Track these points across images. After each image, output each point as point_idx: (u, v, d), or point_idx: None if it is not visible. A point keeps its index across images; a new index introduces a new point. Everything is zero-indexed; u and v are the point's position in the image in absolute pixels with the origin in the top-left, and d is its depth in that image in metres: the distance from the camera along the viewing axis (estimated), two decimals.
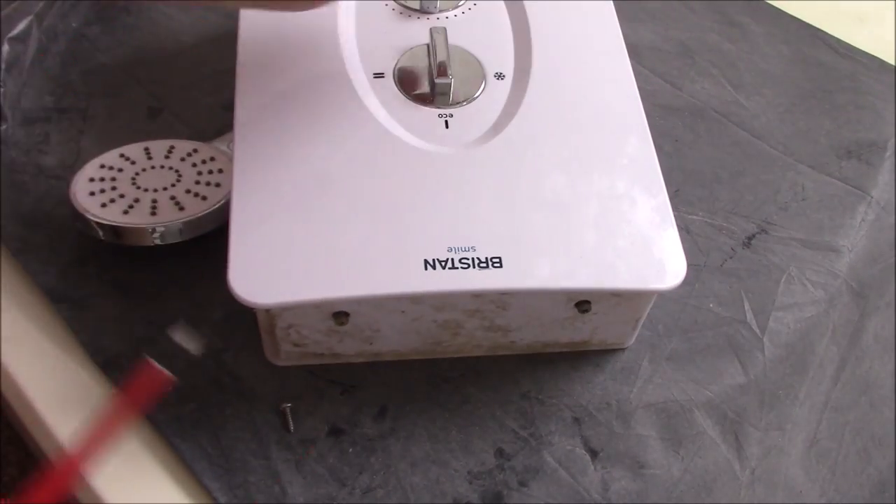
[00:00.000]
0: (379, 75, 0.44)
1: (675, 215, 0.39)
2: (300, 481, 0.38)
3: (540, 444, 0.40)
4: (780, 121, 0.57)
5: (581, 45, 0.46)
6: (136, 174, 0.45)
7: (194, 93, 0.54)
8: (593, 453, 0.40)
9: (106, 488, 0.37)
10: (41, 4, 0.53)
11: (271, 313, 0.38)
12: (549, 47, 0.45)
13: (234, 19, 0.45)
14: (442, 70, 0.43)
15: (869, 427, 0.44)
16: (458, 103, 0.43)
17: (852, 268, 0.49)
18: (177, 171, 0.45)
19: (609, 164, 0.41)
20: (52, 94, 0.53)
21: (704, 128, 0.56)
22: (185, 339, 0.39)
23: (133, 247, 0.43)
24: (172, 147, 0.46)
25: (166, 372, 0.36)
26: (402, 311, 0.38)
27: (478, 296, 0.38)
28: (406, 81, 0.43)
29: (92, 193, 0.43)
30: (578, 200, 0.39)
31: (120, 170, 0.45)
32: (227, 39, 0.46)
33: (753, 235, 0.50)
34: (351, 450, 0.39)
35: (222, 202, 0.43)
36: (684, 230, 0.49)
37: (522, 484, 0.38)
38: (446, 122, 0.42)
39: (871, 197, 0.53)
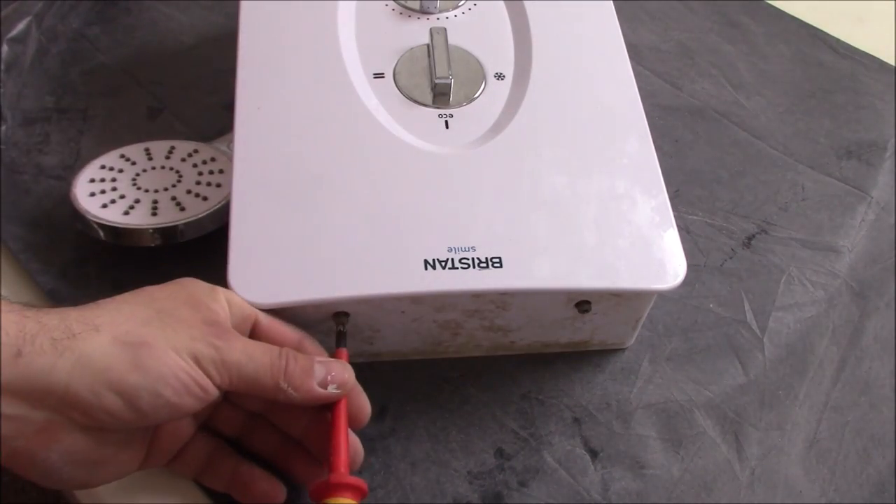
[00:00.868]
0: (379, 75, 0.44)
1: (675, 215, 0.40)
2: None
3: (540, 444, 0.40)
4: (780, 121, 0.57)
5: (581, 45, 0.46)
6: (137, 175, 0.45)
7: (194, 93, 0.54)
8: (593, 453, 0.40)
9: (106, 488, 0.36)
10: (41, 5, 0.53)
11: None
12: (549, 47, 0.45)
13: (234, 19, 0.45)
14: (442, 70, 0.43)
15: (869, 427, 0.44)
16: (458, 104, 0.43)
17: (852, 268, 0.49)
18: (177, 171, 0.45)
19: (609, 165, 0.41)
20: (52, 95, 0.53)
21: (704, 128, 0.56)
22: None
23: (134, 247, 0.43)
24: (173, 147, 0.46)
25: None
26: (402, 312, 0.38)
27: (478, 296, 0.38)
28: (406, 82, 0.44)
29: (92, 194, 0.43)
30: (578, 200, 0.39)
31: (120, 170, 0.45)
32: (227, 39, 0.46)
33: (753, 235, 0.50)
34: None
35: (223, 202, 0.43)
36: (684, 230, 0.49)
37: (522, 484, 0.38)
38: (446, 122, 0.42)
39: (871, 197, 0.53)
